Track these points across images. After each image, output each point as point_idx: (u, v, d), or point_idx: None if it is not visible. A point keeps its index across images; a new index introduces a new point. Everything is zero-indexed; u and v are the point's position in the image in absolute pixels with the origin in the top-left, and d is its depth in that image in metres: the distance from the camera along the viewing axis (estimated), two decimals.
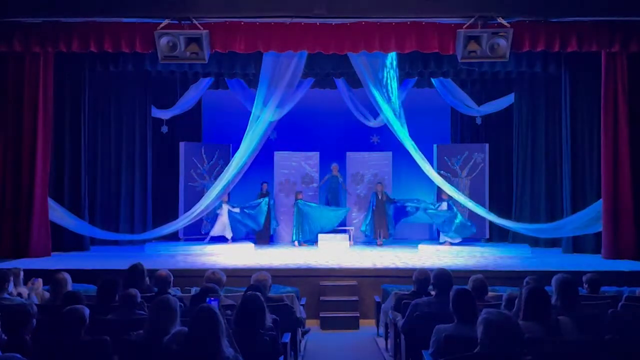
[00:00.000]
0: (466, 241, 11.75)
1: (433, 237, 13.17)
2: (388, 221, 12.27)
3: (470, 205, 11.24)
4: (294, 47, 9.67)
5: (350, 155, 13.40)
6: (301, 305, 7.15)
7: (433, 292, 5.58)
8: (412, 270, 6.89)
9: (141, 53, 9.89)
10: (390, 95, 11.09)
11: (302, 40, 9.50)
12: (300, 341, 6.58)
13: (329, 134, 13.83)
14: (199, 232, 12.09)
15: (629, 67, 9.87)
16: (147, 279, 6.29)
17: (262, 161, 12.51)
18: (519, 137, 12.50)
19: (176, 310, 4.15)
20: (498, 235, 12.47)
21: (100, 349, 4.15)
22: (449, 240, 11.59)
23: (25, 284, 6.32)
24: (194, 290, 6.42)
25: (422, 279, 6.01)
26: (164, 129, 13.00)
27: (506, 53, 9.06)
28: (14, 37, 9.50)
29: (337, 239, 12.01)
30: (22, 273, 6.35)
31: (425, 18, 9.33)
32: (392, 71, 11.11)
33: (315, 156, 13.34)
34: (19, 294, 5.85)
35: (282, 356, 4.70)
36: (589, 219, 10.32)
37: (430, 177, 11.59)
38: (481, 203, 11.81)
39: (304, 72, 11.20)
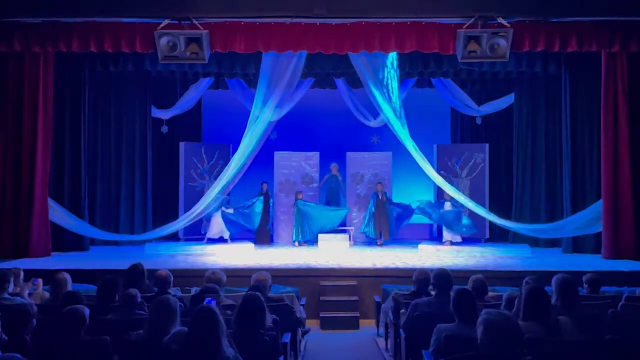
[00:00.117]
0: (466, 241, 11.76)
1: (433, 237, 13.19)
2: (389, 222, 12.27)
3: (471, 205, 11.24)
4: (294, 47, 9.68)
5: (350, 155, 13.39)
6: (301, 305, 7.15)
7: (433, 292, 5.58)
8: (412, 270, 6.89)
9: (141, 53, 9.89)
10: (391, 95, 11.09)
11: (302, 40, 9.50)
12: (300, 341, 6.57)
13: (329, 134, 13.83)
14: (198, 232, 12.09)
15: (629, 67, 9.87)
16: (147, 279, 6.29)
17: (262, 161, 12.51)
18: (519, 137, 12.50)
19: (176, 310, 4.15)
20: (498, 235, 12.47)
21: (100, 349, 4.15)
22: (451, 239, 11.60)
23: (24, 284, 6.31)
24: (194, 290, 6.42)
25: (422, 279, 6.01)
26: (164, 129, 13.00)
27: (506, 53, 9.06)
28: (14, 37, 9.50)
29: (337, 239, 12.01)
30: (22, 273, 6.35)
31: (425, 18, 9.33)
32: (392, 71, 11.11)
33: (315, 156, 13.34)
34: (19, 294, 5.84)
35: (282, 356, 4.70)
36: (589, 219, 10.32)
37: (430, 177, 11.59)
38: (481, 203, 11.82)
39: (304, 72, 11.21)
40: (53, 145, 10.44)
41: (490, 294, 6.00)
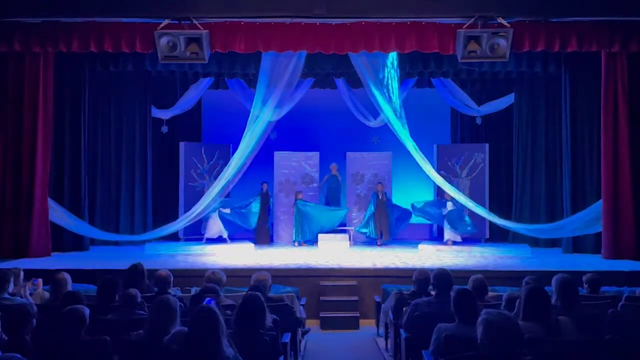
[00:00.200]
0: (466, 241, 11.77)
1: (433, 237, 13.18)
2: (389, 223, 12.28)
3: (471, 205, 11.24)
4: (294, 47, 9.68)
5: (350, 155, 13.40)
6: (301, 305, 7.15)
7: (433, 292, 5.58)
8: (412, 270, 6.89)
9: (141, 53, 9.89)
10: (391, 95, 11.09)
11: (302, 40, 9.50)
12: (300, 341, 6.57)
13: (329, 134, 13.84)
14: (198, 232, 12.09)
15: (629, 67, 9.87)
16: (147, 279, 6.29)
17: (262, 161, 12.51)
18: (519, 137, 12.50)
19: (176, 310, 4.15)
20: (498, 235, 12.46)
21: (100, 349, 4.15)
22: (452, 238, 11.60)
23: (25, 284, 6.32)
24: (194, 290, 6.41)
25: (422, 279, 6.01)
26: (164, 129, 13.00)
27: (506, 53, 9.06)
28: (14, 37, 9.50)
29: (337, 239, 12.01)
30: (22, 273, 6.35)
31: (425, 18, 9.33)
32: (392, 71, 11.10)
33: (315, 156, 13.34)
34: (19, 294, 5.84)
35: (282, 356, 4.70)
36: (589, 219, 10.32)
37: (431, 177, 11.59)
38: (481, 203, 11.81)
39: (304, 72, 11.21)
40: (53, 145, 10.44)
41: (490, 294, 6.00)
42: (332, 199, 12.92)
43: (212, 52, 9.45)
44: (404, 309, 5.79)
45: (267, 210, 12.57)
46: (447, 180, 11.80)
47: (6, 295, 5.44)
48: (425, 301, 5.41)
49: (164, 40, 9.04)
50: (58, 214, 10.52)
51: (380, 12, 9.27)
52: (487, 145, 12.99)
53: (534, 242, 11.56)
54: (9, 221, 9.94)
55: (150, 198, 12.65)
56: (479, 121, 13.27)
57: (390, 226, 12.28)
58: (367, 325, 8.43)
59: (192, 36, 9.05)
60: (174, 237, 12.10)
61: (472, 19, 9.05)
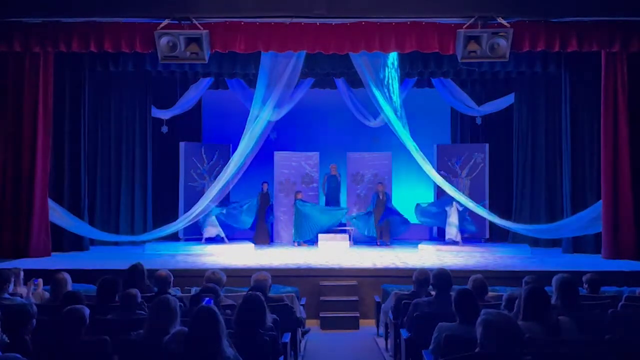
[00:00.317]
0: (466, 241, 11.77)
1: (433, 237, 13.18)
2: (390, 225, 12.27)
3: (471, 205, 11.24)
4: (294, 47, 9.67)
5: (350, 155, 13.40)
6: (301, 305, 7.15)
7: (433, 292, 5.58)
8: (412, 270, 6.90)
9: (141, 53, 9.89)
10: (392, 95, 11.09)
11: (302, 40, 9.49)
12: (300, 341, 6.58)
13: (329, 134, 13.84)
14: (198, 232, 12.08)
15: (629, 67, 9.86)
16: (147, 279, 6.29)
17: (262, 161, 12.52)
18: (519, 137, 12.50)
19: (176, 310, 4.15)
20: (498, 235, 12.47)
21: (100, 349, 4.15)
22: (453, 238, 11.60)
23: (25, 284, 6.32)
24: (194, 290, 6.41)
25: (422, 279, 6.02)
26: (164, 129, 13.00)
27: (506, 53, 9.06)
28: (14, 37, 9.50)
29: (337, 239, 12.02)
30: (22, 273, 6.36)
31: (425, 18, 9.33)
32: (393, 71, 11.11)
33: (315, 156, 13.35)
34: (19, 294, 5.84)
35: (282, 356, 4.70)
36: (590, 219, 10.32)
37: (431, 177, 11.59)
38: (481, 203, 11.81)
39: (304, 72, 11.21)
40: (53, 145, 10.44)
41: (490, 294, 6.00)
42: (331, 198, 12.92)
43: (212, 52, 9.44)
44: (403, 302, 5.80)
45: (267, 210, 12.56)
46: (447, 180, 11.80)
47: (6, 295, 5.44)
48: (425, 301, 5.42)
49: (164, 40, 9.04)
50: (58, 214, 10.51)
51: (380, 12, 9.27)
52: (487, 145, 12.99)
53: (534, 242, 11.56)
54: (9, 221, 9.94)
55: (150, 198, 12.65)
56: (479, 121, 13.27)
57: (391, 227, 12.29)
58: (367, 325, 8.43)
59: (192, 36, 9.05)
60: (173, 237, 12.10)
61: (472, 19, 9.05)
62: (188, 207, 11.82)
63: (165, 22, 9.11)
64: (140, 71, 11.52)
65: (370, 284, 8.78)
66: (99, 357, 4.16)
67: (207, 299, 4.79)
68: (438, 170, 12.10)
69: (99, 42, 9.45)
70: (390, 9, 9.22)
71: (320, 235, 12.04)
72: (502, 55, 9.07)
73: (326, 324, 8.49)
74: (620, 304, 5.31)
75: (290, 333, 5.49)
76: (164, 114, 12.97)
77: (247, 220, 12.08)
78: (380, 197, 12.30)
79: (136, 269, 6.20)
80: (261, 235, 12.53)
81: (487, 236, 12.50)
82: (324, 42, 9.49)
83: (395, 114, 11.07)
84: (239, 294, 5.99)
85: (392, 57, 10.96)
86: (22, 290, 6.07)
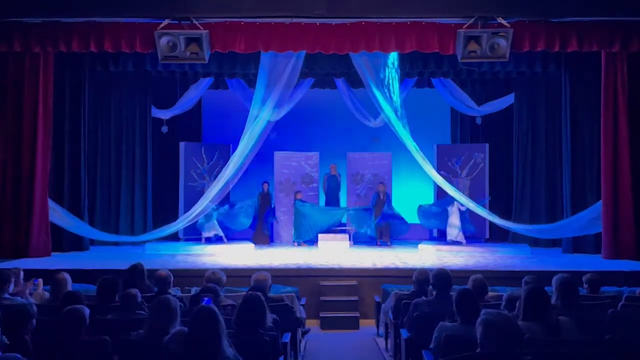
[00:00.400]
0: (466, 241, 11.75)
1: (433, 237, 13.17)
2: (390, 226, 12.28)
3: (472, 205, 11.24)
4: (294, 47, 9.67)
5: (350, 155, 13.41)
6: (301, 305, 7.15)
7: (433, 292, 5.58)
8: (412, 270, 6.90)
9: (141, 53, 9.89)
10: (392, 95, 11.09)
11: (302, 40, 9.49)
12: (300, 341, 6.58)
13: (329, 134, 13.84)
14: (198, 232, 12.08)
15: (629, 67, 9.86)
16: (147, 279, 6.29)
17: (262, 161, 12.51)
18: (519, 137, 12.50)
19: (176, 310, 4.15)
20: (498, 235, 12.47)
21: (100, 349, 4.15)
22: (455, 239, 11.59)
23: (25, 284, 6.32)
24: (194, 290, 6.42)
25: (422, 279, 6.02)
26: (164, 129, 13.00)
27: (506, 53, 9.06)
28: (14, 37, 9.50)
29: (337, 239, 12.01)
30: (22, 273, 6.35)
31: (425, 18, 9.33)
32: (393, 71, 11.10)
33: (315, 156, 13.35)
34: (20, 294, 5.84)
35: (282, 356, 4.70)
36: (590, 219, 10.31)
37: (432, 177, 11.59)
38: (482, 202, 11.81)
39: (304, 72, 11.22)
40: (53, 145, 10.43)
41: (490, 294, 6.00)
42: (331, 198, 12.92)
43: (212, 52, 9.44)
44: (403, 302, 5.80)
45: (268, 211, 12.56)
46: (447, 180, 11.80)
47: (6, 295, 5.44)
48: (425, 301, 5.42)
49: (164, 40, 9.04)
50: (58, 215, 10.51)
51: (380, 12, 9.27)
52: (487, 145, 13.00)
53: (534, 242, 11.56)
54: (9, 221, 9.94)
55: (150, 198, 12.65)
56: (479, 121, 13.27)
57: (391, 228, 12.29)
58: (367, 325, 8.43)
59: (192, 36, 9.05)
60: (174, 237, 12.10)
61: (472, 19, 9.05)
62: (188, 207, 11.82)
63: (165, 22, 9.11)
64: (140, 71, 11.52)
65: (370, 284, 8.78)
66: (99, 357, 4.16)
67: (206, 299, 4.79)
68: (438, 170, 12.10)
69: (99, 42, 9.45)
70: (390, 9, 9.22)
71: (320, 235, 12.04)
72: (502, 55, 9.07)
73: (326, 324, 8.49)
74: (620, 304, 5.31)
75: (290, 333, 5.49)
76: (164, 114, 12.97)
77: (245, 221, 12.08)
78: (381, 197, 12.30)
79: (136, 269, 6.20)
80: (261, 235, 12.53)
81: (487, 236, 12.51)
82: (324, 42, 9.49)
83: (396, 114, 11.07)
84: (239, 294, 5.99)
85: (393, 57, 10.96)
86: (22, 290, 6.06)
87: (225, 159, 12.42)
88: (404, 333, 5.47)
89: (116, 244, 11.63)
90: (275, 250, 11.46)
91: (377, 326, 7.88)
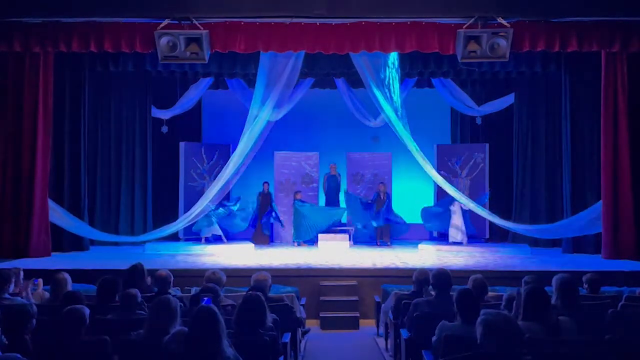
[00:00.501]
0: (467, 241, 11.76)
1: (433, 237, 13.17)
2: (391, 228, 12.28)
3: (472, 206, 11.24)
4: (294, 47, 9.67)
5: (350, 155, 13.41)
6: (301, 305, 7.15)
7: (433, 292, 5.58)
8: (412, 270, 6.90)
9: (141, 53, 9.89)
10: (393, 95, 11.08)
11: (302, 40, 9.49)
12: (300, 341, 6.58)
13: (329, 134, 13.84)
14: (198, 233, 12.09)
15: (629, 67, 9.86)
16: (147, 279, 6.29)
17: (262, 161, 12.51)
18: (519, 137, 12.50)
19: (176, 310, 4.15)
20: (498, 235, 12.47)
21: (100, 349, 4.15)
22: (457, 240, 11.59)
23: (25, 284, 6.32)
24: (194, 290, 6.42)
25: (422, 279, 6.02)
26: (164, 129, 13.00)
27: (506, 53, 9.06)
28: (14, 37, 9.49)
29: (337, 239, 12.01)
30: (22, 273, 6.35)
31: (425, 18, 9.33)
32: (394, 71, 11.10)
33: (315, 156, 13.35)
34: (20, 294, 5.84)
35: (282, 356, 4.70)
36: (590, 219, 10.31)
37: (432, 177, 11.59)
38: (481, 203, 11.80)
39: (304, 72, 11.21)
40: (53, 145, 10.43)
41: (490, 294, 6.00)
42: (331, 198, 12.92)
43: (212, 52, 9.44)
44: (403, 302, 5.80)
45: (268, 212, 12.55)
46: (447, 180, 11.80)
47: (6, 295, 5.44)
48: (425, 301, 5.42)
49: (164, 40, 9.04)
50: (58, 215, 10.51)
51: (380, 12, 9.27)
52: (487, 145, 13.00)
53: (534, 242, 11.56)
54: (9, 221, 9.94)
55: (150, 198, 12.65)
56: (479, 121, 13.27)
57: (391, 229, 12.29)
58: (367, 325, 8.43)
59: (192, 36, 9.05)
60: (174, 237, 12.10)
61: (472, 19, 9.05)
62: (188, 207, 11.82)
63: (165, 22, 9.11)
64: (140, 71, 11.52)
65: (370, 284, 8.78)
66: (99, 357, 4.16)
67: (205, 299, 4.79)
68: (438, 170, 12.09)
69: (99, 42, 9.45)
70: (390, 9, 9.22)
71: (320, 235, 12.04)
72: (502, 55, 9.07)
73: (326, 324, 8.48)
74: (620, 304, 5.31)
75: (290, 333, 5.49)
76: (164, 114, 12.97)
77: (241, 224, 12.07)
78: (382, 197, 12.30)
79: (136, 269, 6.20)
80: (261, 236, 12.53)
81: (487, 236, 12.51)
82: (324, 42, 9.49)
83: (396, 114, 11.06)
84: (239, 294, 5.99)
85: (393, 57, 10.96)
86: (22, 290, 6.06)
87: (225, 159, 12.42)
88: (404, 333, 5.47)
89: (116, 244, 11.63)
90: (275, 250, 11.46)
91: (377, 326, 7.88)
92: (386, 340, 7.18)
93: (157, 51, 9.15)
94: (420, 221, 12.46)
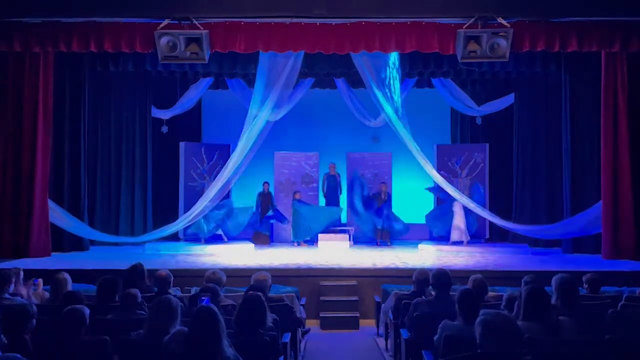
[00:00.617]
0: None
1: (433, 237, 13.16)
2: (391, 229, 12.28)
3: (472, 206, 11.24)
4: (294, 47, 9.67)
5: (350, 155, 13.40)
6: (301, 305, 7.15)
7: (433, 292, 5.58)
8: (412, 270, 6.90)
9: (141, 53, 9.88)
10: (393, 95, 11.08)
11: (302, 40, 9.49)
12: (300, 341, 6.58)
13: (329, 134, 13.84)
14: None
15: (629, 67, 9.86)
16: (147, 279, 6.29)
17: (262, 161, 12.51)
18: (519, 137, 12.50)
19: (176, 310, 4.15)
20: (498, 235, 12.47)
21: (100, 349, 4.16)
22: (457, 239, 11.58)
23: (25, 284, 6.32)
24: (194, 290, 6.42)
25: (422, 279, 6.02)
26: (164, 129, 13.00)
27: (506, 53, 9.06)
28: (14, 37, 9.49)
29: (337, 239, 12.01)
30: (22, 273, 6.35)
31: (425, 18, 9.33)
32: (394, 71, 11.10)
33: (315, 156, 13.35)
34: (20, 294, 5.84)
35: (282, 356, 4.70)
36: (590, 219, 10.31)
37: (432, 177, 11.58)
38: (481, 203, 11.80)
39: (304, 72, 11.21)
40: (53, 145, 10.43)
41: (490, 294, 6.00)
42: (331, 198, 12.92)
43: (212, 52, 9.44)
44: (403, 302, 5.80)
45: (268, 211, 12.54)
46: (447, 180, 11.80)
47: (6, 295, 5.44)
48: (425, 301, 5.42)
49: (164, 40, 9.04)
50: (58, 215, 10.51)
51: (380, 12, 9.27)
52: (487, 145, 12.99)
53: (534, 242, 11.56)
54: (9, 221, 9.94)
55: (150, 198, 12.65)
56: (479, 121, 13.27)
57: (391, 230, 12.29)
58: (367, 325, 8.43)
59: (192, 36, 9.05)
60: (174, 238, 12.10)
61: (472, 19, 9.05)
62: (188, 207, 11.82)
63: (165, 22, 9.11)
64: (140, 71, 11.51)
65: (370, 284, 8.78)
66: (99, 357, 4.16)
67: (205, 299, 4.79)
68: (438, 170, 12.09)
69: (99, 42, 9.44)
70: (390, 9, 9.22)
71: (320, 235, 12.04)
72: (502, 55, 9.07)
73: (326, 324, 8.48)
74: (620, 304, 5.31)
75: (290, 333, 5.49)
76: (164, 114, 12.97)
77: (239, 226, 12.06)
78: (383, 196, 12.31)
79: (136, 269, 6.20)
80: (261, 236, 12.53)
81: (487, 236, 12.50)
82: (324, 42, 9.49)
83: (397, 114, 11.06)
84: (239, 294, 5.99)
85: (393, 57, 10.95)
86: (22, 290, 6.06)
87: (225, 159, 12.40)
88: (404, 333, 5.47)
89: (116, 244, 11.62)
90: (275, 250, 11.46)
91: (377, 326, 7.89)
92: (386, 340, 7.18)
93: (157, 51, 9.15)
94: (420, 221, 12.48)
